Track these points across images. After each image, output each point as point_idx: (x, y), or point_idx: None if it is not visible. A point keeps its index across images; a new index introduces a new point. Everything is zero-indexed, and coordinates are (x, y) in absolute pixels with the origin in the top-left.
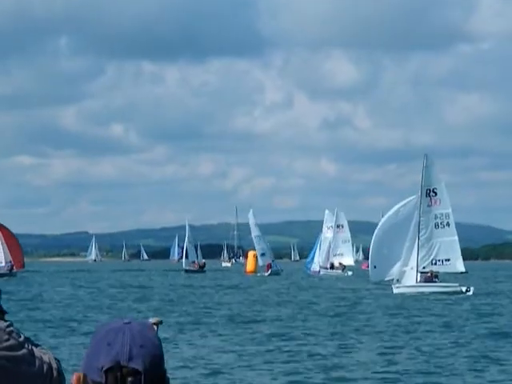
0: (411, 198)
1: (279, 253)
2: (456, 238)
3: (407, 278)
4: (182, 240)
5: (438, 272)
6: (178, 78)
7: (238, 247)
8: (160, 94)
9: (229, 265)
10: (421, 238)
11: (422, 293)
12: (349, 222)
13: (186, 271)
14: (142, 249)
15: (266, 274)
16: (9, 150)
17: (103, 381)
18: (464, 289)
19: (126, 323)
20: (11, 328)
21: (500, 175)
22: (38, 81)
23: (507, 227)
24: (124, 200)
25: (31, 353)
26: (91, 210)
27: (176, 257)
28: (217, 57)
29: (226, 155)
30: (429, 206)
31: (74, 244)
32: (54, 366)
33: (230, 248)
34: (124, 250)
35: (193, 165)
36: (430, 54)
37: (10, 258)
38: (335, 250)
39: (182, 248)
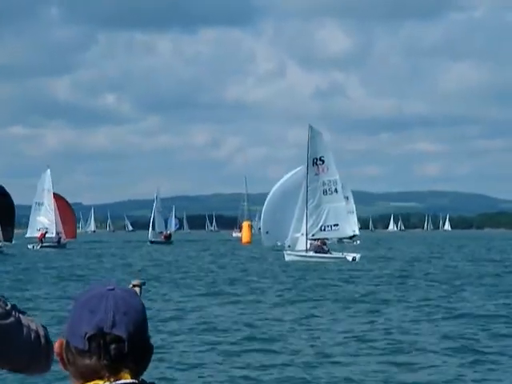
0: (300, 167)
1: None
2: (343, 203)
3: (298, 245)
4: (178, 210)
5: (327, 239)
6: (171, 48)
7: (248, 218)
8: (152, 64)
9: (239, 235)
10: (309, 206)
11: (312, 261)
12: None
13: (152, 242)
14: (127, 220)
15: None
16: (2, 120)
17: (86, 348)
18: (350, 257)
19: (110, 289)
20: None
21: (494, 143)
22: (30, 51)
23: (501, 196)
24: (118, 171)
25: (18, 320)
26: (85, 180)
27: (173, 228)
28: (208, 26)
29: (219, 125)
30: (316, 174)
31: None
32: (42, 333)
33: (241, 218)
34: (109, 221)
35: (186, 135)
36: (423, 23)
37: (60, 229)
38: None
39: (179, 219)
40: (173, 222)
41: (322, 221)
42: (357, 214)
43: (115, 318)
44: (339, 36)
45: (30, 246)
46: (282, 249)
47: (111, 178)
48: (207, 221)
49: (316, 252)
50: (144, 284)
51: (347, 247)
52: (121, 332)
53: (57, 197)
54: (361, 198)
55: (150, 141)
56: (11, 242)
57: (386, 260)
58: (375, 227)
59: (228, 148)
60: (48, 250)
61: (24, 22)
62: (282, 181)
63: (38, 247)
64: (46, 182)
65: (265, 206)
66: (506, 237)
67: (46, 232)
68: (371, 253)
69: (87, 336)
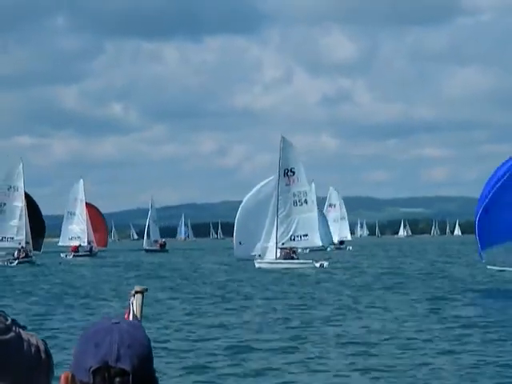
0: (271, 177)
1: None
2: (313, 213)
3: (268, 254)
4: (187, 218)
5: (297, 248)
6: (177, 56)
7: None
8: (159, 72)
9: None
10: (279, 216)
11: (281, 268)
12: (350, 198)
13: (147, 251)
14: (133, 228)
15: None
16: (9, 130)
17: (91, 381)
18: (318, 264)
19: (115, 323)
20: None
21: (501, 148)
22: (36, 60)
23: None
24: (125, 179)
25: (19, 335)
26: (92, 189)
27: (183, 235)
28: (214, 34)
29: (226, 133)
30: (287, 184)
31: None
32: (42, 347)
33: None
34: (113, 230)
35: (193, 143)
36: (429, 28)
37: (92, 237)
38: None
39: (192, 226)
40: (182, 230)
41: (291, 230)
42: (365, 219)
43: (120, 351)
44: (345, 42)
45: (62, 255)
46: (253, 258)
47: (118, 186)
48: (211, 228)
49: (285, 259)
50: (146, 290)
51: (341, 254)
52: (125, 365)
53: (89, 206)
54: (368, 203)
55: (156, 149)
56: (40, 250)
57: (352, 269)
58: (383, 233)
59: (235, 155)
60: (81, 259)
61: (30, 31)
62: (253, 191)
63: (71, 256)
64: (79, 192)
65: (237, 217)
66: None
67: (80, 245)
68: (351, 259)
69: (92, 369)
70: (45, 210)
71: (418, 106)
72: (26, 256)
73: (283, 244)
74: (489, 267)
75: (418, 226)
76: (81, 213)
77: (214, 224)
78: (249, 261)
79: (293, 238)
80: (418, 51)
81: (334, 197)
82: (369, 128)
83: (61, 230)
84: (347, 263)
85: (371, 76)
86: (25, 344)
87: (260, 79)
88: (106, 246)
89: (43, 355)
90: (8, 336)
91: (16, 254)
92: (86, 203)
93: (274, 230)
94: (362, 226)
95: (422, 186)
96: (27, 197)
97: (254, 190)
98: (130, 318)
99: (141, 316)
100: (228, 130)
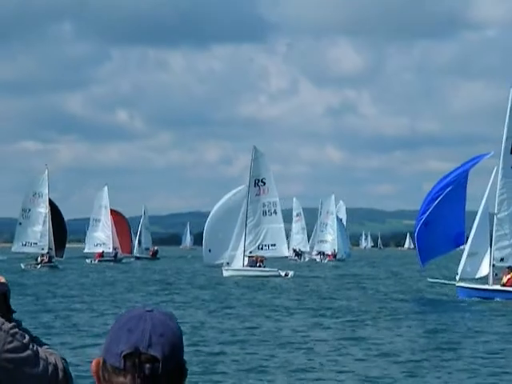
0: (241, 187)
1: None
2: (282, 225)
3: (236, 262)
4: (192, 226)
5: (264, 257)
6: (183, 64)
7: None
8: (165, 80)
9: None
10: (248, 225)
11: (248, 276)
12: (355, 210)
13: (137, 258)
14: (132, 235)
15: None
16: (15, 135)
17: (121, 366)
18: (283, 273)
19: (148, 311)
20: (15, 329)
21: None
22: (42, 66)
23: None
24: (130, 186)
25: (35, 354)
26: (97, 196)
27: (188, 243)
28: (221, 43)
29: (231, 142)
30: (257, 195)
31: (81, 230)
32: (60, 366)
33: None
34: None
35: (199, 151)
36: (434, 41)
37: (117, 244)
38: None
39: (194, 235)
40: (188, 237)
41: (260, 240)
42: (369, 231)
43: (152, 338)
44: (351, 54)
45: (87, 261)
46: (221, 265)
47: (123, 193)
48: None
49: (251, 266)
50: None
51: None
52: (156, 352)
53: (114, 212)
54: (373, 215)
55: (162, 157)
56: (62, 257)
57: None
58: (386, 245)
59: (240, 165)
60: (106, 263)
61: (37, 37)
62: (223, 200)
63: (96, 261)
64: (104, 199)
65: (207, 225)
66: None
67: (103, 252)
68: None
69: (123, 354)
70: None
71: (423, 119)
72: (50, 261)
73: (251, 252)
74: (429, 280)
75: None
76: (106, 219)
77: None
78: (218, 267)
79: (261, 247)
80: (424, 64)
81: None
82: (374, 140)
83: (70, 236)
84: (312, 273)
85: (377, 88)
86: (41, 362)
87: (266, 89)
88: (130, 252)
89: (61, 374)
90: (24, 354)
91: (39, 258)
92: (112, 210)
93: (243, 239)
94: (366, 238)
95: None
96: (51, 203)
97: (224, 198)
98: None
99: None
100: (233, 139)
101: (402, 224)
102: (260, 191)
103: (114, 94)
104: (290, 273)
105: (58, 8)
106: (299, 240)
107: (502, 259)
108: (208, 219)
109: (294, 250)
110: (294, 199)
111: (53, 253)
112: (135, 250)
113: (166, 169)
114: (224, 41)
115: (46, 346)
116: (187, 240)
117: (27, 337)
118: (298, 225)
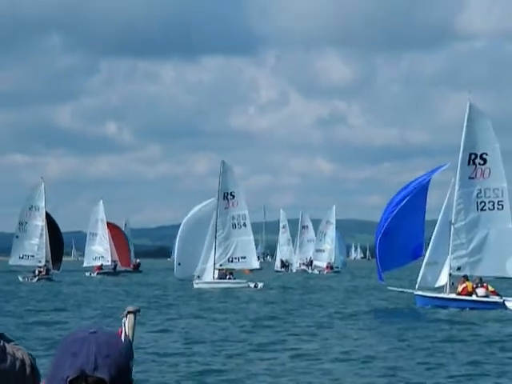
0: (211, 199)
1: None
2: (252, 237)
3: (206, 275)
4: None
5: (234, 269)
6: (172, 76)
7: (267, 246)
8: (154, 92)
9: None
10: (218, 237)
11: (218, 288)
12: (345, 221)
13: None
14: None
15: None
16: (3, 148)
17: None
18: (253, 285)
19: (92, 332)
20: None
21: None
22: (31, 78)
23: None
24: (119, 199)
25: (2, 349)
26: (87, 208)
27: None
28: (210, 55)
29: (221, 153)
30: (226, 208)
31: (70, 244)
32: (28, 362)
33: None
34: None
35: (188, 163)
36: (423, 53)
37: (115, 257)
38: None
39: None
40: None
41: (230, 252)
42: (359, 242)
43: (97, 360)
44: (340, 65)
45: (87, 274)
46: (192, 278)
47: (112, 205)
48: None
49: (220, 279)
50: (139, 311)
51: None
52: (103, 374)
53: (111, 226)
54: (363, 226)
55: (151, 169)
56: (59, 270)
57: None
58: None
59: None
60: (104, 276)
61: (25, 49)
62: (192, 213)
63: (95, 274)
64: (100, 213)
65: (177, 238)
66: None
67: (102, 265)
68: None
69: (69, 379)
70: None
71: (412, 130)
72: (47, 273)
73: (221, 265)
74: (389, 288)
75: None
76: (103, 233)
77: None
78: (189, 281)
79: (231, 259)
80: (413, 75)
81: (306, 218)
82: (363, 152)
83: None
84: (288, 283)
85: (366, 99)
86: (9, 358)
87: (256, 101)
88: (129, 265)
89: (28, 369)
90: None
91: (36, 271)
92: (109, 223)
93: (213, 252)
94: (355, 249)
95: None
96: (48, 216)
97: (193, 211)
98: (122, 338)
99: (133, 336)
100: (223, 150)
101: None
102: (229, 204)
103: (104, 106)
104: (260, 284)
105: (46, 20)
106: (285, 251)
107: (458, 268)
108: (178, 233)
109: (282, 262)
110: (281, 211)
111: (50, 265)
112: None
113: (155, 181)
114: (213, 53)
115: (12, 342)
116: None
117: None
118: (284, 236)
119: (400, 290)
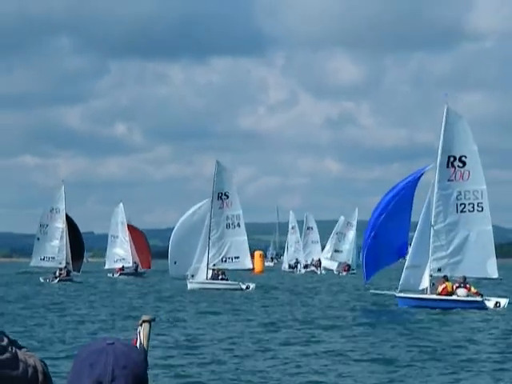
0: (205, 200)
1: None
2: (245, 237)
3: (200, 274)
4: None
5: (226, 269)
6: (181, 78)
7: (281, 247)
8: (163, 93)
9: (271, 264)
10: (212, 237)
11: (211, 288)
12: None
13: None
14: None
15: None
16: (13, 149)
17: None
18: (244, 286)
19: (110, 344)
20: None
21: (504, 174)
22: (40, 80)
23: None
24: (129, 200)
25: (14, 356)
26: (97, 209)
27: None
28: (219, 56)
29: (230, 154)
30: (220, 208)
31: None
32: (40, 368)
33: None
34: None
35: (197, 164)
36: (433, 53)
37: (136, 259)
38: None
39: None
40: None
41: (223, 252)
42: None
43: (114, 372)
44: (349, 66)
45: (109, 275)
46: (186, 277)
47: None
48: None
49: (214, 279)
50: (154, 320)
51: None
52: None
53: (131, 228)
54: None
55: (161, 170)
56: (79, 272)
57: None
58: None
59: (239, 177)
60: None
61: (34, 51)
62: (188, 213)
63: (117, 275)
64: (120, 216)
65: (172, 237)
66: None
67: (123, 267)
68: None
69: None
70: None
71: (421, 130)
72: (67, 275)
73: (214, 265)
74: (371, 291)
75: None
76: (123, 235)
77: None
78: (184, 280)
79: (224, 259)
80: (422, 76)
81: (311, 220)
82: (372, 152)
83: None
84: (280, 284)
85: (375, 100)
86: (21, 365)
87: (265, 101)
88: (150, 267)
89: (41, 376)
90: (3, 357)
91: (57, 273)
92: (129, 225)
93: (206, 251)
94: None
95: None
96: (68, 218)
97: (189, 211)
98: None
99: (147, 346)
100: (232, 151)
101: None
102: (223, 204)
103: (113, 107)
104: (252, 285)
105: (55, 22)
106: (293, 252)
107: (439, 269)
108: (173, 231)
109: (289, 264)
110: (291, 212)
111: (70, 267)
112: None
113: (164, 182)
114: (222, 54)
115: (24, 349)
116: None
117: (5, 339)
118: (293, 237)
119: (383, 292)
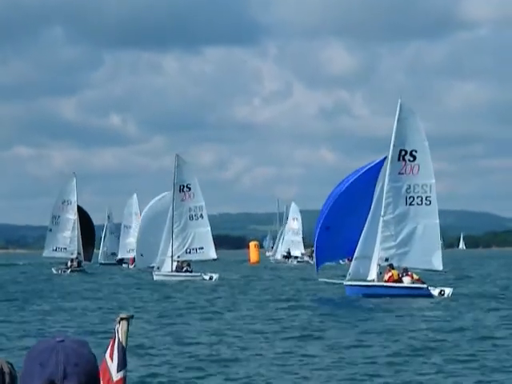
0: (166, 192)
1: None
2: (209, 228)
3: (165, 266)
4: None
5: (191, 260)
6: (175, 68)
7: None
8: (158, 83)
9: (271, 254)
10: (175, 230)
11: (175, 280)
12: None
13: (102, 264)
14: None
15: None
16: (8, 140)
17: None
18: (208, 277)
19: (59, 341)
20: None
21: (500, 162)
22: (34, 71)
23: (508, 214)
24: (124, 191)
25: None
26: (92, 201)
27: None
28: (212, 46)
29: (225, 145)
30: (182, 200)
31: None
32: (6, 370)
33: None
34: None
35: (192, 155)
36: (427, 42)
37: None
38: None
39: None
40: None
41: (187, 244)
42: None
43: (66, 370)
44: (344, 56)
45: (124, 265)
46: (152, 269)
47: (117, 198)
48: None
49: (178, 271)
50: (132, 317)
51: None
52: (73, 383)
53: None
54: None
55: (156, 161)
56: (90, 261)
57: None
58: None
59: (234, 168)
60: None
61: (29, 41)
62: (150, 204)
63: (132, 266)
64: (133, 206)
65: (139, 229)
66: None
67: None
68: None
69: None
70: (42, 221)
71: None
72: (79, 266)
73: (179, 257)
74: (320, 279)
75: None
76: (136, 226)
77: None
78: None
79: (188, 250)
80: (417, 65)
81: (296, 211)
82: (367, 141)
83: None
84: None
85: (370, 89)
86: None
87: (259, 92)
88: None
89: (7, 378)
90: None
91: (69, 263)
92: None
93: (171, 243)
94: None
95: None
96: (80, 210)
97: (151, 203)
98: (116, 345)
99: (126, 343)
100: (227, 142)
101: None
102: (185, 196)
103: (107, 98)
104: (215, 276)
105: (49, 12)
106: (289, 242)
107: (386, 259)
108: (139, 224)
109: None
110: (293, 203)
111: (81, 258)
112: (100, 256)
113: (159, 173)
114: (216, 44)
115: None
116: None
117: None
118: (294, 227)
119: (332, 281)
